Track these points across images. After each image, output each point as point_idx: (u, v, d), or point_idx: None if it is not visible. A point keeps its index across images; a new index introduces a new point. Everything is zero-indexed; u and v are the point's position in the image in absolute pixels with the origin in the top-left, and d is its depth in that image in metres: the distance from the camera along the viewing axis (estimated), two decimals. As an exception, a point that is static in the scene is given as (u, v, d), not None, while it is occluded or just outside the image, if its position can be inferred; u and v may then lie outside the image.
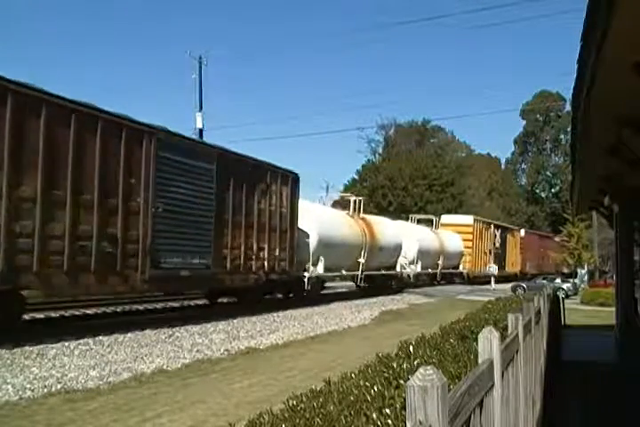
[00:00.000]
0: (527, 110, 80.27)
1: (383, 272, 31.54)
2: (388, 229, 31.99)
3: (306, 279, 22.95)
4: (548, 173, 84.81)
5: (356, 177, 73.16)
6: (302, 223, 23.05)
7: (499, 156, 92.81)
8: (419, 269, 34.77)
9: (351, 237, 27.32)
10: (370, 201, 56.75)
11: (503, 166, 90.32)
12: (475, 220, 47.62)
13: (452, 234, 43.73)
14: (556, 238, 66.57)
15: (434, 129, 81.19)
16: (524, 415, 4.16)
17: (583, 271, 45.19)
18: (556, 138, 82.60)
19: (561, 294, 20.89)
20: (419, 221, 42.96)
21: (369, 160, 78.02)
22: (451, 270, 42.88)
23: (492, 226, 51.09)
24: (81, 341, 12.26)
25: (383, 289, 30.73)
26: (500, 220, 66.01)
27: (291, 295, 23.38)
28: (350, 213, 29.92)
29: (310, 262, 23.43)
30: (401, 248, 32.27)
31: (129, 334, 13.40)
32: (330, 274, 26.25)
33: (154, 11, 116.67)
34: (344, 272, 27.53)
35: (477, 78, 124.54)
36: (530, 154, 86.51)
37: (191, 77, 37.38)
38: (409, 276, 33.83)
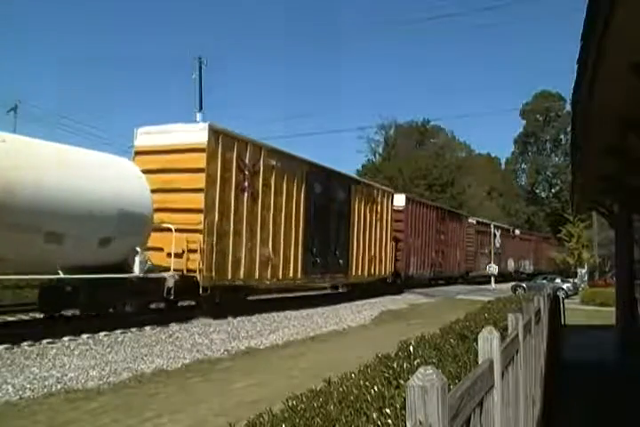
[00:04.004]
0: (527, 110, 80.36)
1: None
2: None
3: None
4: (548, 173, 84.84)
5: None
6: None
7: (499, 156, 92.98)
8: None
9: None
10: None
11: (503, 166, 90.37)
12: (215, 133, 17.51)
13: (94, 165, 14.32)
14: (471, 220, 46.79)
15: (434, 129, 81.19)
16: (524, 415, 4.16)
17: (583, 271, 45.18)
18: (556, 138, 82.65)
19: (561, 294, 20.91)
20: None
21: (369, 160, 78.14)
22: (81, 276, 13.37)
23: (299, 163, 21.88)
24: (81, 341, 12.27)
25: None
26: (500, 220, 65.41)
27: None
28: None
29: None
30: None
31: (129, 334, 13.42)
32: None
33: (153, 9, 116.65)
34: None
35: (477, 78, 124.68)
36: (530, 154, 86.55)
37: (191, 77, 36.71)
38: None
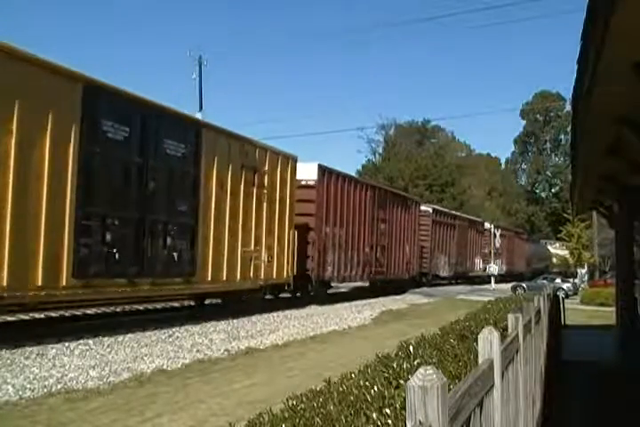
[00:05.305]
0: (527, 110, 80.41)
1: None
2: None
3: None
4: (548, 173, 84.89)
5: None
6: None
7: (499, 156, 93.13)
8: None
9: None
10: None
11: (503, 166, 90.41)
12: None
13: None
14: (426, 207, 37.28)
15: (434, 129, 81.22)
16: (524, 415, 4.16)
17: (583, 271, 45.21)
18: (556, 138, 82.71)
19: (561, 294, 20.92)
20: None
21: (369, 160, 78.20)
22: None
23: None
24: (81, 341, 12.25)
25: None
26: (501, 220, 65.15)
27: None
28: None
29: None
30: None
31: (129, 334, 13.39)
32: None
33: (154, 9, 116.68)
34: None
35: (477, 78, 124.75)
36: (530, 154, 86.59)
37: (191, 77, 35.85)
38: None
